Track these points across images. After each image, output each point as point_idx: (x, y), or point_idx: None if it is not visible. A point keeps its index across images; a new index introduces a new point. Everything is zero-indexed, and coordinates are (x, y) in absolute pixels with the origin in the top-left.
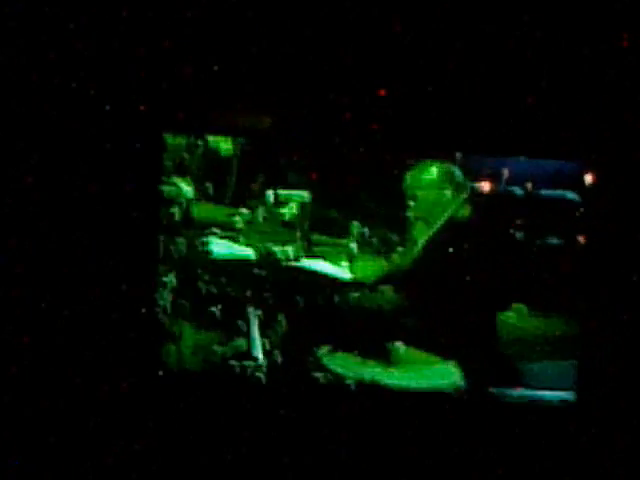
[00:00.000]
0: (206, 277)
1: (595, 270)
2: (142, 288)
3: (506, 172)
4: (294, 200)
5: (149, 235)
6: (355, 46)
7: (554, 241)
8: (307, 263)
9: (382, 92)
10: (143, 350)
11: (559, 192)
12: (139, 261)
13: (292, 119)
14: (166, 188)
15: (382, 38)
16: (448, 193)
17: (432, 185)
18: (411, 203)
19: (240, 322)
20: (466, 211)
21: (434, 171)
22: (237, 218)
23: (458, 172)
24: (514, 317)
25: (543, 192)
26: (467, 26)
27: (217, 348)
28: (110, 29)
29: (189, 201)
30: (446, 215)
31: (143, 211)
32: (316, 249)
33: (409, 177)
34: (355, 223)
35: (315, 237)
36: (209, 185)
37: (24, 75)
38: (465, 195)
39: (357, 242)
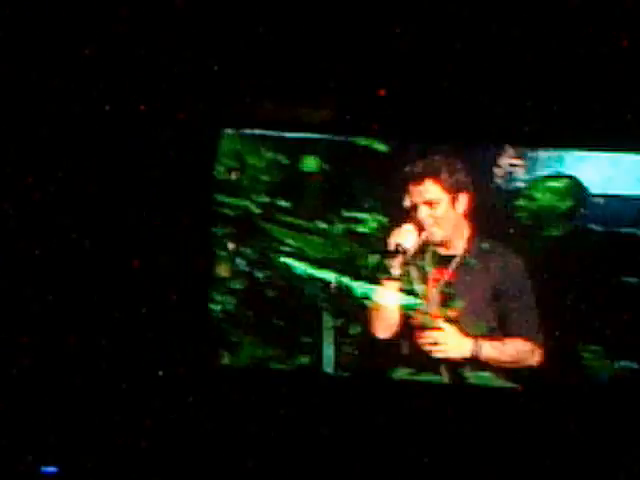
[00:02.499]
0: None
1: None
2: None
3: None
4: (372, 220)
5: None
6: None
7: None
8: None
9: None
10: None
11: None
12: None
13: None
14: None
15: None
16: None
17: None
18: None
19: (306, 337)
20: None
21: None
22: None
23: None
24: None
25: (623, 230)
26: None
27: (275, 365)
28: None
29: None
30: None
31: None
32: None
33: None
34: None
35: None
36: (284, 199)
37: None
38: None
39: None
